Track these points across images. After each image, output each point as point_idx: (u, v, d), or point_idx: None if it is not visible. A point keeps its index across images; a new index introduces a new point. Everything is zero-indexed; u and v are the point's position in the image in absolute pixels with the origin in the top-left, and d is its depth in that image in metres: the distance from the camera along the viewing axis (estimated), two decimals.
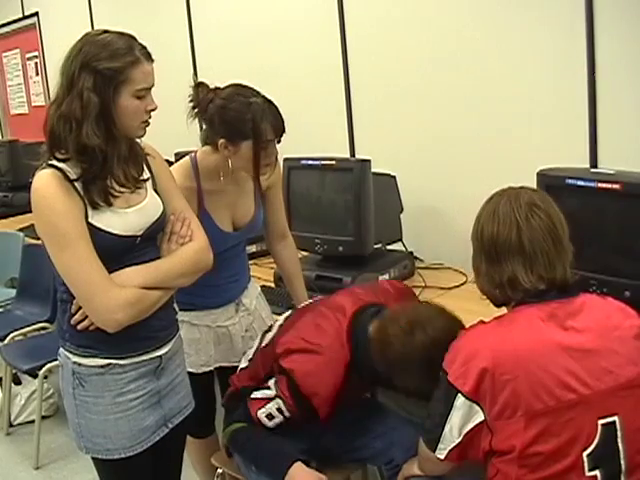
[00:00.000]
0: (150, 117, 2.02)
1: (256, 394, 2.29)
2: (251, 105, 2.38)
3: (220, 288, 2.59)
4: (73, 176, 1.92)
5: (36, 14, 7.01)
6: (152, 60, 1.99)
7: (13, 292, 4.75)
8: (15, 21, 7.44)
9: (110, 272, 1.96)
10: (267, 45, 4.32)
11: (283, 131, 2.45)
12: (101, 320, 1.95)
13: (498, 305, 1.88)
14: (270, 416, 2.26)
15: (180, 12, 4.99)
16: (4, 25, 7.71)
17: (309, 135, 3.99)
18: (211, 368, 2.68)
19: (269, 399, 2.26)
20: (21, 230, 4.99)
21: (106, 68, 1.89)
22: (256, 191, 2.66)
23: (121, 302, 1.93)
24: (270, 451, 2.25)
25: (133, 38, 1.98)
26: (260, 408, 2.27)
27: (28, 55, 7.50)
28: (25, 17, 7.23)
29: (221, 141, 2.41)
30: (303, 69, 4.13)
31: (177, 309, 2.27)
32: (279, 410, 2.24)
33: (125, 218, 2.00)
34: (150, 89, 1.99)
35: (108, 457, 2.10)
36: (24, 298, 4.54)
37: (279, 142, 2.48)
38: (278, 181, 2.80)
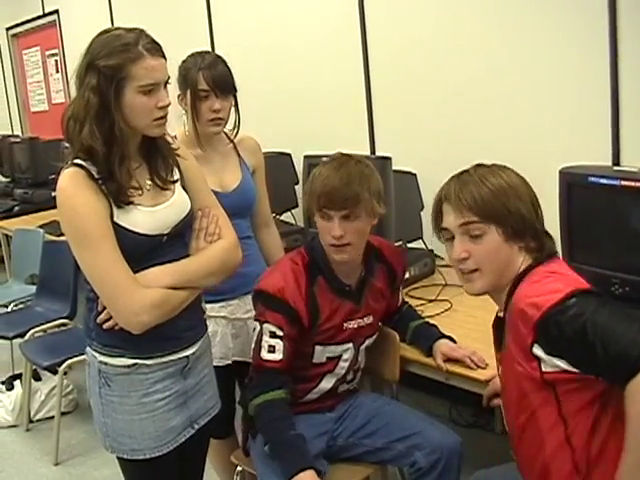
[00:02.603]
0: (165, 113, 1.96)
1: (254, 349, 2.33)
2: (195, 59, 2.60)
3: None
4: (97, 175, 1.90)
5: (56, 12, 7.05)
6: (160, 55, 1.93)
7: (33, 289, 4.75)
8: (35, 19, 7.49)
9: (136, 271, 1.93)
10: (288, 43, 4.32)
11: (220, 85, 2.57)
12: (125, 322, 1.93)
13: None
14: (271, 348, 2.27)
15: (200, 9, 4.99)
16: (24, 23, 7.77)
17: (329, 132, 4.00)
18: (229, 362, 2.66)
19: (260, 335, 2.29)
20: (41, 227, 5.01)
21: (105, 66, 1.85)
22: (241, 162, 2.74)
23: (146, 304, 1.91)
24: (290, 444, 2.21)
25: (143, 32, 1.93)
26: (261, 350, 2.29)
27: (48, 52, 7.55)
28: (45, 15, 7.27)
29: (177, 94, 2.59)
30: (324, 66, 4.12)
31: (205, 308, 2.25)
32: (272, 334, 2.27)
33: (151, 217, 1.97)
34: (161, 84, 1.93)
35: (133, 457, 2.08)
36: (44, 295, 4.54)
37: (236, 108, 2.66)
38: (261, 167, 2.84)
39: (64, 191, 1.89)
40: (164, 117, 1.97)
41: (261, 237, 2.87)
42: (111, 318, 1.96)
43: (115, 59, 1.85)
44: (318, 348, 2.36)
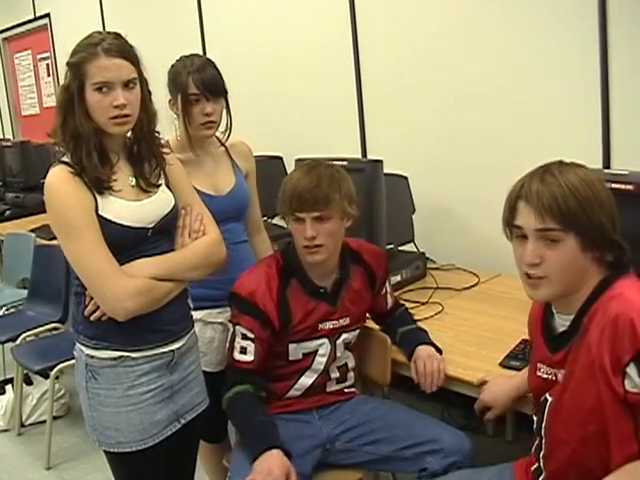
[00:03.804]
0: (124, 113, 1.98)
1: (227, 349, 2.38)
2: (184, 62, 2.57)
3: (228, 276, 2.44)
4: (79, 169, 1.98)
5: (47, 15, 7.04)
6: (118, 56, 1.96)
7: (24, 293, 4.73)
8: (27, 22, 7.47)
9: (122, 264, 1.98)
10: (279, 45, 4.33)
11: (211, 88, 2.54)
12: (111, 308, 1.98)
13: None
14: (243, 349, 2.32)
15: (191, 11, 5.00)
16: (16, 26, 7.76)
17: (321, 136, 4.00)
18: (224, 367, 2.65)
19: (233, 336, 2.34)
20: (32, 231, 4.99)
21: (69, 64, 1.98)
22: (234, 165, 2.73)
23: (131, 291, 1.96)
24: (257, 428, 2.23)
25: (111, 34, 2.01)
26: (233, 351, 2.33)
27: (40, 56, 7.54)
28: (37, 18, 7.26)
29: (169, 99, 2.58)
30: (315, 70, 4.13)
31: (191, 305, 2.27)
32: (244, 336, 2.32)
33: (135, 210, 2.03)
34: (116, 84, 1.96)
35: (119, 450, 2.10)
36: (35, 299, 4.53)
37: (228, 110, 2.63)
38: (252, 172, 2.85)
39: (51, 185, 1.97)
40: (123, 117, 2.00)
41: (254, 243, 2.87)
42: (98, 309, 2.00)
43: (77, 57, 1.98)
44: (292, 346, 2.38)
